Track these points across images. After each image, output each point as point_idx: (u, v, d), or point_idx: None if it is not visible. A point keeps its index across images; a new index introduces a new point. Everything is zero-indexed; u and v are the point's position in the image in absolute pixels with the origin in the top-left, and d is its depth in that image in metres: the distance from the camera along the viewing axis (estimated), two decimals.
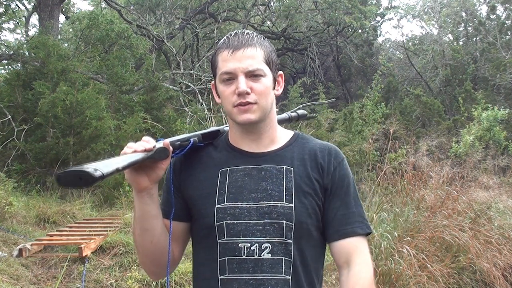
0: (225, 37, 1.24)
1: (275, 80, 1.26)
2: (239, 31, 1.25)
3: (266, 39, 1.27)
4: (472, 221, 4.75)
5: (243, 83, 1.18)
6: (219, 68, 1.22)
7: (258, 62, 1.20)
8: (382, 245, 4.01)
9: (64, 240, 4.80)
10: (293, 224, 1.20)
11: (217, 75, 1.23)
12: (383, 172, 5.31)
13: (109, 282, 4.14)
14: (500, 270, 4.33)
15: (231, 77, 1.20)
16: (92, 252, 4.50)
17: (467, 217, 4.80)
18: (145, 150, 1.13)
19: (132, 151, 1.12)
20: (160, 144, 1.17)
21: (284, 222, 1.19)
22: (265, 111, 1.23)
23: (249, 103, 1.19)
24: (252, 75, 1.19)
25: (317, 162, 1.26)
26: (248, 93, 1.18)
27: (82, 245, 4.37)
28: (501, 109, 9.91)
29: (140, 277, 4.01)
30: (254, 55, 1.19)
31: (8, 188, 5.92)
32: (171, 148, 1.19)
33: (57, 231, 5.28)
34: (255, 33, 1.25)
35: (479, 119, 9.81)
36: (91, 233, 4.93)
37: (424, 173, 5.33)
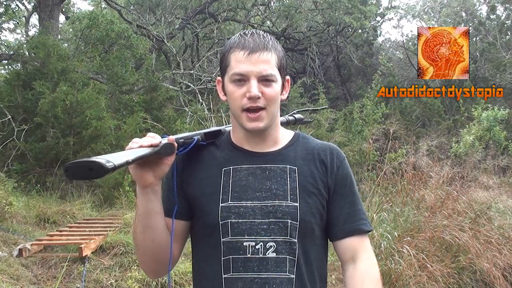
0: (239, 35, 1.22)
1: (283, 85, 1.26)
2: (255, 31, 1.23)
3: (278, 42, 1.26)
4: (472, 221, 4.74)
5: (255, 87, 1.17)
6: (232, 67, 1.20)
7: (271, 67, 1.19)
8: (382, 245, 4.01)
9: (64, 240, 4.80)
10: (298, 223, 1.20)
11: (228, 74, 1.21)
12: (383, 172, 5.31)
13: (109, 282, 4.14)
14: (500, 270, 4.32)
15: (242, 79, 1.19)
16: (92, 252, 4.50)
17: (467, 217, 4.80)
18: (151, 145, 1.12)
19: (138, 146, 1.11)
20: (165, 140, 1.16)
21: (289, 221, 1.20)
22: (273, 117, 1.23)
23: (259, 108, 1.19)
24: (264, 80, 1.19)
25: (321, 161, 1.27)
26: (258, 97, 1.18)
27: (82, 245, 4.37)
28: (501, 109, 9.90)
29: (140, 277, 4.01)
30: (268, 60, 1.19)
31: (8, 188, 5.93)
32: (176, 144, 1.19)
33: (57, 231, 5.28)
34: (269, 36, 1.23)
35: (479, 119, 9.80)
36: (91, 233, 4.93)
37: (424, 173, 5.33)
